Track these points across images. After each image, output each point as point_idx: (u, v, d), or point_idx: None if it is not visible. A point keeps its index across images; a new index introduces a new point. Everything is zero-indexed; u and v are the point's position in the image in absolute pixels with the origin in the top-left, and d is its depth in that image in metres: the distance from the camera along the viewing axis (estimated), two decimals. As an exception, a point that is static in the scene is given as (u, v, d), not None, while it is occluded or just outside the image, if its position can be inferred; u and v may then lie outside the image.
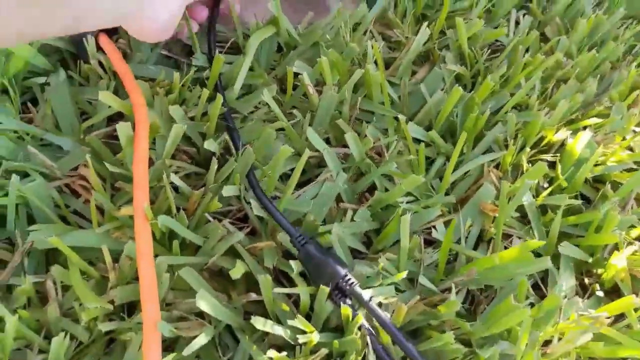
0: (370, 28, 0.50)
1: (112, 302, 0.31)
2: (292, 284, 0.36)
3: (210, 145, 0.37)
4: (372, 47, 0.44)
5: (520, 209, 0.41)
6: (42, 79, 0.39)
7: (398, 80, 0.48)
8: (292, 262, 0.33)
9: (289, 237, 0.34)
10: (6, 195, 0.34)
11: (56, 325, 0.31)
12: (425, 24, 0.47)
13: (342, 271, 0.32)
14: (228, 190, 0.35)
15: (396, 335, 0.30)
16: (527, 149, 0.43)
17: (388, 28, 0.52)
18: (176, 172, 0.36)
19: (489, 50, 0.50)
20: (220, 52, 0.46)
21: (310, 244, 0.34)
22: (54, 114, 0.39)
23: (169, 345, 0.33)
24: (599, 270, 0.39)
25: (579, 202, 0.41)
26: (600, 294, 0.38)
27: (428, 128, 0.45)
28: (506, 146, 0.43)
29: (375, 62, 0.44)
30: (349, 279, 0.32)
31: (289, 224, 0.35)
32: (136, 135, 0.34)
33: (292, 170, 0.40)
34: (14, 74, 0.39)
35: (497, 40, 0.53)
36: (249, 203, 0.37)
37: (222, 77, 0.42)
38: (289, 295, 0.35)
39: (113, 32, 0.42)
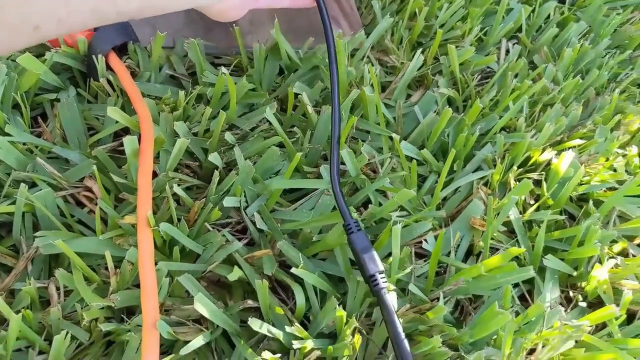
0: (368, 53, 0.53)
1: (112, 306, 0.33)
2: (287, 294, 0.38)
3: (214, 158, 0.39)
4: (369, 71, 0.47)
5: (508, 224, 0.42)
6: (52, 95, 0.41)
7: (393, 103, 0.50)
8: (294, 270, 0.35)
9: (343, 221, 0.36)
10: (14, 203, 0.35)
11: (57, 326, 0.32)
12: (420, 50, 0.49)
13: (371, 270, 0.34)
14: (229, 201, 0.37)
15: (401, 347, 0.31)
16: (515, 168, 0.45)
17: (385, 54, 0.54)
18: (178, 185, 0.38)
19: (480, 76, 0.52)
20: (224, 74, 0.48)
21: (358, 234, 0.36)
22: (63, 128, 0.41)
23: (167, 349, 0.34)
24: (583, 283, 0.40)
25: (562, 217, 0.42)
26: (584, 304, 0.39)
27: (421, 147, 0.47)
28: (495, 165, 0.45)
29: (372, 85, 0.47)
30: (375, 279, 0.34)
31: (347, 210, 0.37)
32: (141, 148, 0.36)
33: (291, 189, 0.42)
34: (25, 90, 0.41)
35: (487, 67, 0.55)
36: (250, 215, 0.39)
37: (225, 96, 0.45)
38: (285, 303, 0.36)
39: (122, 52, 0.45)
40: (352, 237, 0.36)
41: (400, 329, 0.32)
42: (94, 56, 0.42)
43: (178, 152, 0.38)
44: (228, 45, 0.50)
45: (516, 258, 0.38)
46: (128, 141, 0.36)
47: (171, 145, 0.39)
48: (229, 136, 0.41)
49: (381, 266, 0.34)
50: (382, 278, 0.34)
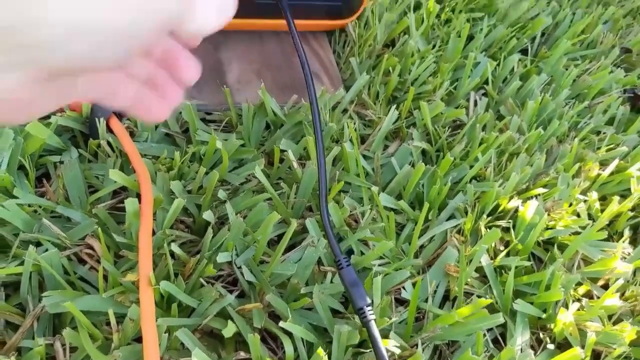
0: (347, 107, 0.57)
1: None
2: (277, 343, 0.40)
3: (208, 216, 0.42)
4: (349, 127, 0.51)
5: (480, 269, 0.46)
6: (56, 158, 0.44)
7: (372, 154, 0.54)
8: (282, 324, 0.38)
9: (334, 257, 0.40)
10: (22, 263, 0.38)
11: (65, 382, 0.35)
12: (394, 106, 0.53)
13: (359, 304, 0.38)
14: (222, 257, 0.40)
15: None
16: (485, 217, 0.49)
17: (363, 107, 0.58)
18: (174, 241, 0.41)
19: (451, 127, 0.57)
20: (215, 129, 0.52)
21: (346, 270, 0.39)
22: (65, 188, 0.44)
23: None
24: (551, 325, 0.44)
25: (529, 263, 0.46)
26: (552, 346, 0.42)
27: (399, 197, 0.51)
28: (466, 213, 0.49)
29: (351, 140, 0.50)
30: (363, 312, 0.38)
31: (338, 247, 0.41)
32: (142, 209, 0.39)
33: (278, 236, 0.46)
34: (31, 153, 0.44)
35: (457, 118, 0.60)
36: (239, 268, 0.42)
37: (216, 152, 0.48)
38: (274, 352, 0.39)
39: (122, 115, 0.48)
40: (342, 272, 0.40)
41: (386, 356, 0.36)
42: (96, 119, 0.45)
43: (174, 211, 0.41)
44: (218, 102, 0.54)
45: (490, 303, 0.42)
46: (129, 203, 0.39)
47: (168, 204, 0.42)
48: (221, 193, 0.44)
49: (369, 299, 0.38)
50: (369, 311, 0.38)
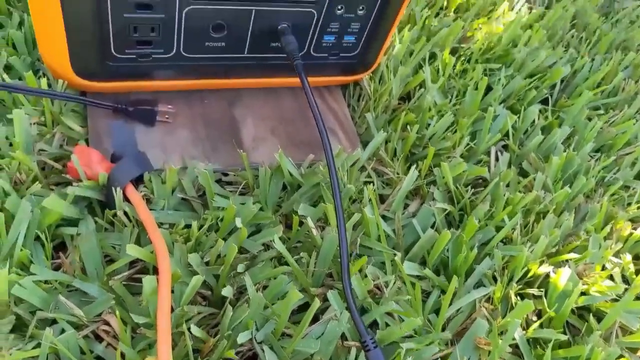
0: (365, 165, 0.56)
1: None
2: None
3: (227, 291, 0.40)
4: (367, 189, 0.50)
5: (512, 341, 0.44)
6: (72, 230, 0.43)
7: (392, 215, 0.52)
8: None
9: (360, 337, 0.39)
10: (39, 345, 0.36)
11: None
12: (414, 166, 0.52)
13: None
14: (242, 337, 0.38)
15: None
16: (514, 284, 0.47)
17: (380, 164, 0.57)
18: (191, 318, 0.40)
19: (473, 186, 0.55)
20: (231, 192, 0.51)
21: (374, 352, 0.38)
22: (82, 259, 0.43)
23: None
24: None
25: (566, 336, 0.44)
26: None
27: (422, 261, 0.50)
28: (494, 278, 0.47)
29: (371, 202, 0.49)
30: None
31: (363, 325, 0.39)
32: (160, 288, 0.38)
33: (299, 307, 0.44)
34: (47, 225, 0.43)
35: (479, 176, 0.58)
36: (260, 343, 0.40)
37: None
38: None
39: (139, 180, 0.47)
40: (370, 354, 0.37)
41: None
42: (113, 188, 0.44)
43: (193, 288, 0.40)
44: (234, 162, 0.53)
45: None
46: (147, 282, 0.38)
47: (187, 277, 0.41)
48: (240, 267, 0.43)
49: None
50: None
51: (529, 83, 0.67)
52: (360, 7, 0.51)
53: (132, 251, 0.40)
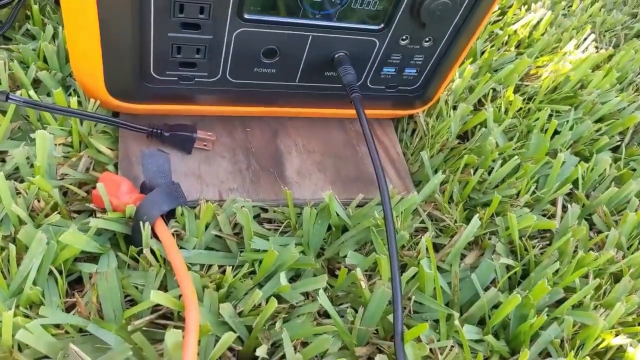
0: (419, 208, 0.50)
1: None
2: None
3: (260, 351, 0.35)
4: (425, 240, 0.44)
5: None
6: (92, 267, 0.39)
7: (448, 267, 0.47)
8: None
9: None
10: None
11: None
12: (476, 216, 0.46)
13: None
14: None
15: None
16: (586, 357, 0.40)
17: (436, 208, 0.52)
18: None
19: (538, 238, 0.49)
20: (272, 230, 0.46)
21: None
22: (99, 300, 0.38)
23: None
24: None
25: None
26: None
27: (481, 321, 0.44)
28: (562, 347, 0.41)
29: (428, 256, 0.44)
30: None
31: None
32: (185, 346, 0.33)
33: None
34: (64, 260, 0.38)
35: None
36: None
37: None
38: None
39: (170, 215, 0.42)
40: None
41: None
42: (141, 223, 0.39)
43: (223, 344, 0.34)
44: (276, 198, 0.48)
45: None
46: (171, 335, 0.33)
47: (217, 329, 0.36)
48: (278, 324, 0.37)
49: None
50: None
51: (598, 128, 0.61)
52: (427, 39, 0.46)
53: (157, 298, 0.35)
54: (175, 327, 0.36)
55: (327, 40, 0.44)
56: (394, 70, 0.49)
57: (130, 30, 0.38)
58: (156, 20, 0.38)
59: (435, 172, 0.55)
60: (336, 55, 0.45)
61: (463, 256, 0.49)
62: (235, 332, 0.37)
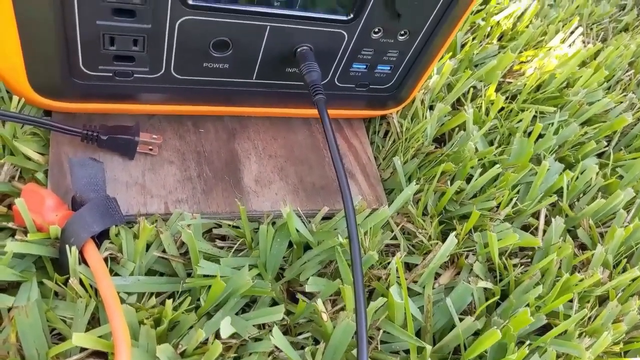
0: (390, 221, 0.46)
1: None
2: None
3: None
4: (396, 261, 0.39)
5: None
6: (9, 300, 0.33)
7: (420, 289, 0.42)
8: None
9: None
10: None
11: None
12: (453, 233, 0.42)
13: None
14: None
15: None
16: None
17: (408, 221, 0.47)
18: None
19: (519, 256, 0.45)
20: (224, 248, 0.41)
21: None
22: (19, 338, 0.33)
23: None
24: None
25: None
26: None
27: (456, 350, 0.40)
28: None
29: (399, 282, 0.39)
30: None
31: None
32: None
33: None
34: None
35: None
36: None
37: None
38: None
39: (105, 236, 0.37)
40: None
41: None
42: (67, 246, 0.34)
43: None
44: (230, 210, 0.43)
45: None
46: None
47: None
48: (225, 366, 0.32)
49: None
50: None
51: (584, 132, 0.57)
52: (403, 32, 0.40)
53: (80, 340, 0.30)
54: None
55: (288, 31, 0.38)
56: (364, 67, 0.43)
57: (51, 15, 0.32)
58: (80, 4, 0.32)
59: (409, 179, 0.50)
60: (299, 50, 0.39)
61: (437, 274, 0.45)
62: (174, 377, 0.32)
